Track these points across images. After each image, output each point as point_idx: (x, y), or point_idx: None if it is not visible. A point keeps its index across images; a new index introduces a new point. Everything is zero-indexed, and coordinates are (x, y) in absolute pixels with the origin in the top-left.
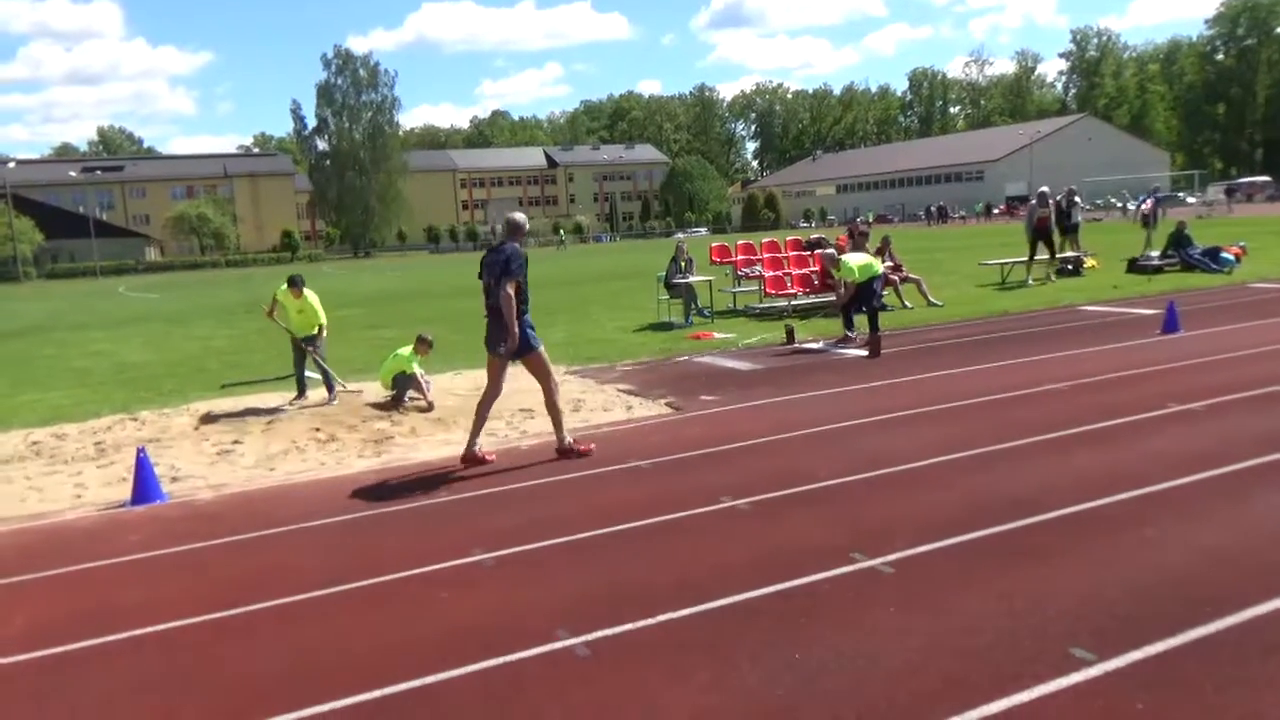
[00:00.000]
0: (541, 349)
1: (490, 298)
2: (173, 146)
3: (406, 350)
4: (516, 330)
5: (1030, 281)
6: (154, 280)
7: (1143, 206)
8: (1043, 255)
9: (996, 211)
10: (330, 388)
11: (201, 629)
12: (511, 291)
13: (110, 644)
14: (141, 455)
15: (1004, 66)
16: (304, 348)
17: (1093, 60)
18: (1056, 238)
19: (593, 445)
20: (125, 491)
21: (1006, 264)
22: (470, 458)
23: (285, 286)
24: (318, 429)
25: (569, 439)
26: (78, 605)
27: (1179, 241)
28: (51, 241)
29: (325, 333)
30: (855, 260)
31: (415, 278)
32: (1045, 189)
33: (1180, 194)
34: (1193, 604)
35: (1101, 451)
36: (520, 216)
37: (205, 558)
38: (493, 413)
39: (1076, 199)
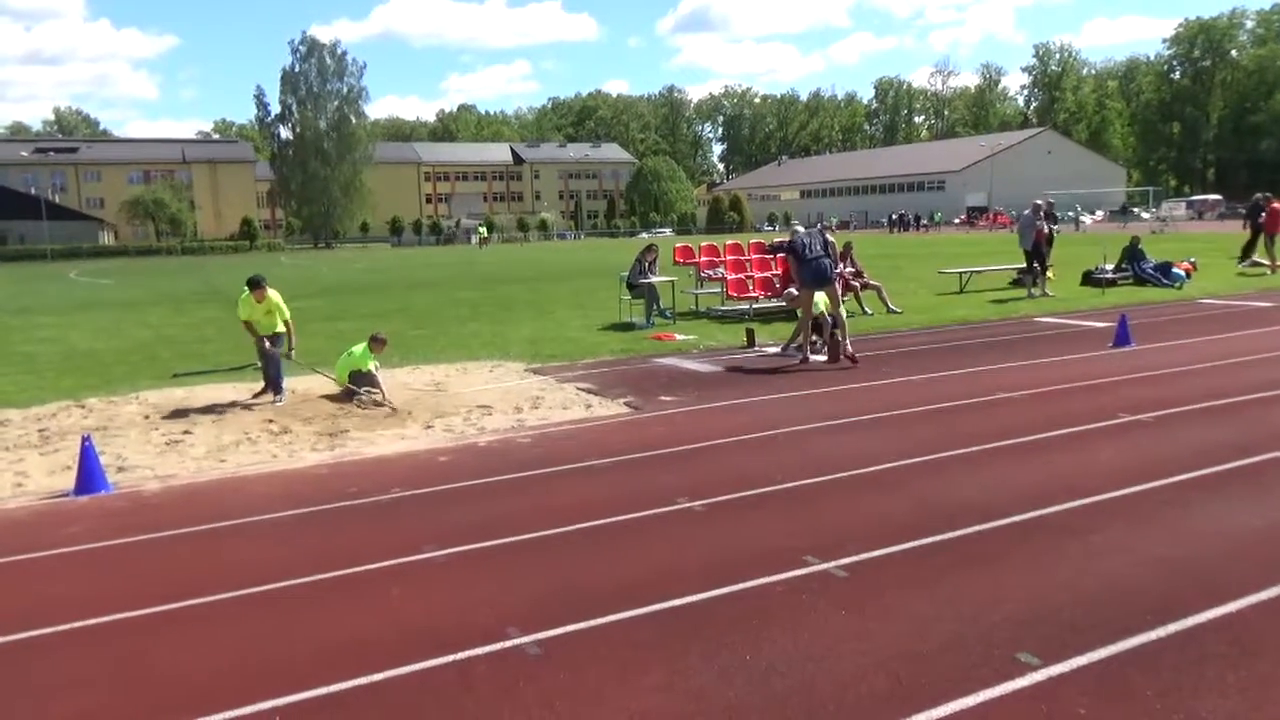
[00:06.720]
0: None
1: (816, 253)
2: (132, 130)
3: (360, 348)
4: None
5: (1036, 293)
6: (107, 265)
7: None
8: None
9: (958, 221)
10: (279, 388)
11: (141, 623)
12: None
13: (45, 637)
14: (86, 443)
15: (968, 79)
16: (267, 347)
17: (1054, 75)
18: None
19: (858, 360)
20: (69, 480)
21: (965, 272)
22: (848, 355)
23: (246, 292)
24: (271, 420)
25: (850, 348)
26: (12, 598)
27: (1132, 255)
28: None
29: (289, 329)
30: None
31: (377, 271)
32: (1040, 201)
33: (1168, 204)
34: (1136, 611)
35: (1052, 460)
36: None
37: (148, 550)
38: (450, 409)
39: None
